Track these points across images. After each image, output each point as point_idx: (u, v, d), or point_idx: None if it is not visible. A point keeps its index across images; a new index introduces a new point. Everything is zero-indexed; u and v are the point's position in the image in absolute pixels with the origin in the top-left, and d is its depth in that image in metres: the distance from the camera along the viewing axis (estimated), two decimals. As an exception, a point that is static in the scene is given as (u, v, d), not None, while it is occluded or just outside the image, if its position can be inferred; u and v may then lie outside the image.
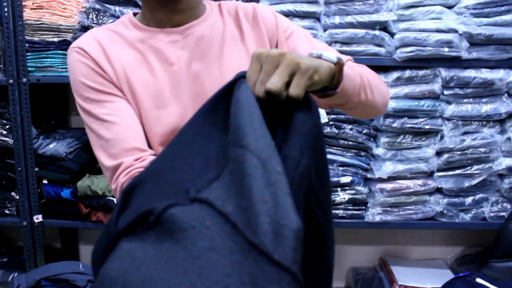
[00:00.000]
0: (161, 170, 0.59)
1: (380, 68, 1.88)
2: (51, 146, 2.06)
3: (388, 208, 1.96)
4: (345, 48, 1.84)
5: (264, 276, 0.45)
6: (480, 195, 1.96)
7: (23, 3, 1.93)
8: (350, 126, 1.92)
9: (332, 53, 0.73)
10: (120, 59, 0.94)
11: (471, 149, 1.90)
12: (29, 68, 1.99)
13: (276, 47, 1.01)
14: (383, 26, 1.84)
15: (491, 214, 1.97)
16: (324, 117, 1.87)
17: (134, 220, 0.52)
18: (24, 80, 1.99)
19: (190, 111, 0.94)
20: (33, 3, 1.94)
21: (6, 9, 1.93)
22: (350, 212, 1.97)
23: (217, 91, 0.64)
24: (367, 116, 1.02)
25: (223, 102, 0.62)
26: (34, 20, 1.94)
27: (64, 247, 2.48)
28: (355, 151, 1.95)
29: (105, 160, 0.91)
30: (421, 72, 1.85)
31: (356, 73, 0.88)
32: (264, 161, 0.51)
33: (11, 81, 1.99)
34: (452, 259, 2.35)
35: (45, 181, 2.08)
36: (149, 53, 0.96)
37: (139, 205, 0.54)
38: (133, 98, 0.94)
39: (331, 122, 1.91)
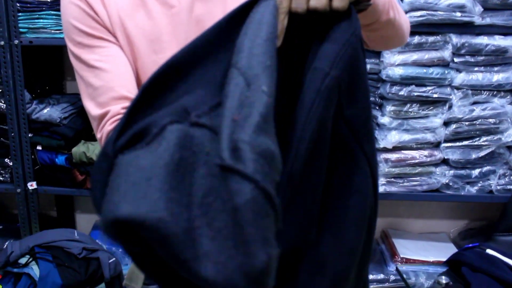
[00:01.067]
0: (163, 90, 0.54)
1: (388, 33, 1.80)
2: (45, 111, 1.99)
3: (392, 179, 1.90)
4: (352, 11, 1.75)
5: (228, 190, 0.42)
6: (488, 168, 1.91)
7: (14, -41, 1.84)
8: (355, 94, 1.85)
9: None
10: (115, 2, 0.88)
11: (480, 120, 1.84)
12: (21, 29, 1.91)
13: None
14: (393, -11, 1.76)
15: (498, 187, 1.92)
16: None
17: (135, 134, 0.48)
18: (16, 41, 1.91)
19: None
20: (24, -40, 1.85)
21: (-5, -34, 1.83)
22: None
23: (233, 8, 0.58)
24: (391, 42, 0.96)
25: (238, 21, 0.56)
26: (25, -22, 1.86)
27: (60, 215, 2.44)
28: (360, 120, 1.89)
29: (92, 109, 0.85)
30: (431, 38, 1.77)
31: None
32: (249, 79, 0.47)
33: (2, 42, 1.90)
34: (455, 233, 2.32)
35: (39, 147, 2.03)
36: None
37: (140, 121, 0.50)
38: (128, 44, 0.87)
39: (335, 90, 1.84)
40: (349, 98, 0.58)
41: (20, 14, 1.89)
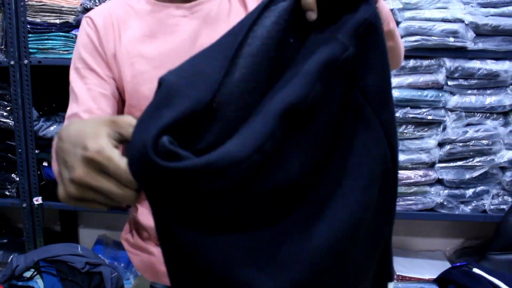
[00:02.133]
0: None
1: (384, 57, 1.87)
2: (52, 128, 2.06)
3: (388, 198, 1.95)
4: (349, 36, 1.82)
5: None
6: (481, 188, 1.96)
7: (25, -16, 1.92)
8: (352, 115, 1.91)
9: None
10: (128, 35, 0.97)
11: (473, 141, 1.89)
12: (30, 50, 1.98)
13: None
14: (388, 14, 1.82)
15: (492, 207, 1.96)
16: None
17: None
18: (26, 61, 1.98)
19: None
20: (35, -16, 1.93)
21: (8, -11, 1.92)
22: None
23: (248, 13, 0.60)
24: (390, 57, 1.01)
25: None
26: (36, 1, 1.93)
27: (63, 230, 2.49)
28: (357, 140, 1.95)
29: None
30: (426, 62, 1.84)
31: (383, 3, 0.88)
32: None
33: (12, 62, 1.98)
34: (451, 251, 2.35)
35: (45, 163, 2.09)
36: (155, 25, 0.97)
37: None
38: (132, 75, 0.96)
39: (333, 111, 1.90)
40: (365, 70, 0.60)
41: (30, 35, 1.97)
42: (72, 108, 0.96)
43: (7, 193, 2.17)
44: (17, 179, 2.13)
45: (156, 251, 1.03)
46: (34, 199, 2.10)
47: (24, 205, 2.11)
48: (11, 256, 2.19)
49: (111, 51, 0.97)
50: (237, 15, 0.98)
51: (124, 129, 0.52)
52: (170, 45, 0.96)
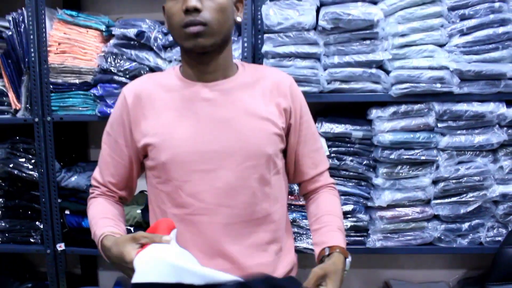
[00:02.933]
0: None
1: (378, 103, 2.01)
2: (73, 179, 2.22)
3: (388, 235, 2.06)
4: (344, 85, 1.97)
5: None
6: (476, 221, 2.05)
7: (48, 48, 2.12)
8: (350, 158, 2.04)
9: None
10: (153, 104, 1.20)
11: (465, 178, 2.00)
12: (53, 107, 2.16)
13: (290, 118, 1.27)
14: (379, 65, 1.97)
15: (487, 239, 2.06)
16: (326, 149, 2.00)
17: None
18: (49, 118, 2.16)
19: (205, 131, 1.19)
20: (57, 48, 2.12)
21: (33, 54, 2.11)
22: (352, 238, 2.08)
23: None
24: None
25: None
26: (58, 64, 2.12)
27: (84, 273, 2.63)
28: (356, 181, 2.07)
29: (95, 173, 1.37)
30: (416, 107, 1.97)
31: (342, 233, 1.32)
32: None
33: (36, 119, 2.16)
34: (454, 282, 2.43)
35: (67, 212, 2.24)
36: (181, 100, 1.19)
37: None
38: (158, 145, 1.20)
39: (332, 155, 2.04)
40: None
41: (52, 94, 2.15)
42: (97, 172, 1.37)
43: (32, 240, 2.31)
44: (41, 226, 2.28)
45: None
46: (58, 245, 2.25)
47: (48, 251, 2.25)
48: (36, 300, 2.32)
49: (137, 122, 1.20)
50: (261, 93, 1.23)
51: (140, 240, 1.02)
52: (191, 120, 1.18)
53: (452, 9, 1.91)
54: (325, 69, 1.99)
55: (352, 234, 2.08)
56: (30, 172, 2.24)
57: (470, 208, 2.03)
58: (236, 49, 2.01)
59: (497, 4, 1.89)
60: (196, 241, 1.19)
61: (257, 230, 1.24)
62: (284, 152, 1.32)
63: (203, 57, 1.18)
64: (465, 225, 2.05)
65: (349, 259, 1.22)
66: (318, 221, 1.32)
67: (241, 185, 1.19)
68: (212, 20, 1.12)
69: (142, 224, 2.13)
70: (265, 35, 1.96)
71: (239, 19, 1.22)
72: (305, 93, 1.96)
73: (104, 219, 1.25)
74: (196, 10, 1.10)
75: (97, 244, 1.18)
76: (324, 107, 2.24)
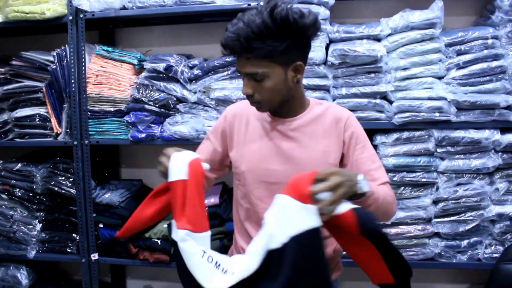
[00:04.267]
0: None
1: (382, 130, 2.21)
2: (107, 196, 2.46)
3: (392, 250, 2.23)
4: (351, 114, 2.17)
5: None
6: (475, 239, 2.21)
7: (87, 80, 2.38)
8: (357, 179, 2.23)
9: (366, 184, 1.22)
10: (243, 126, 1.52)
11: (464, 198, 2.16)
12: (90, 132, 2.42)
13: (343, 147, 1.47)
14: (383, 96, 2.17)
15: (485, 256, 2.21)
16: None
17: None
18: (86, 142, 2.41)
19: (274, 154, 1.46)
20: (94, 80, 2.38)
21: (73, 85, 2.37)
22: (359, 253, 2.27)
23: None
24: (381, 216, 1.40)
25: None
26: (95, 94, 2.38)
27: (113, 281, 2.86)
28: (363, 200, 2.26)
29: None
30: (417, 133, 2.15)
31: (376, 192, 1.28)
32: None
33: (75, 142, 2.41)
34: (459, 296, 2.57)
35: (101, 225, 2.48)
36: (262, 128, 1.48)
37: None
38: (238, 154, 1.53)
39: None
40: None
41: (90, 120, 2.41)
42: (198, 150, 1.60)
43: (69, 250, 2.56)
44: (77, 238, 2.53)
45: None
46: (92, 255, 2.48)
47: (83, 260, 2.50)
48: (72, 305, 2.56)
49: (231, 136, 1.53)
50: (323, 131, 1.46)
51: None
52: (267, 145, 1.47)
53: (449, 45, 2.11)
54: (333, 100, 2.19)
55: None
56: (69, 189, 2.48)
57: (468, 227, 2.19)
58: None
59: (490, 41, 2.07)
60: (257, 228, 1.46)
61: None
62: None
63: None
64: (464, 242, 2.21)
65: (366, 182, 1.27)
66: None
67: None
68: (263, 99, 1.37)
69: (168, 238, 2.35)
70: (280, 69, 2.18)
71: (298, 81, 1.39)
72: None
73: None
74: (250, 95, 1.36)
75: None
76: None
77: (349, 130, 1.47)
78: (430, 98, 2.10)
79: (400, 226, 2.23)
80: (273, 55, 1.28)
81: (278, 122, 1.47)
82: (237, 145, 1.52)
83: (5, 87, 2.50)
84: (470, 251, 2.23)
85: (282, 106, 1.41)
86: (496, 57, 2.07)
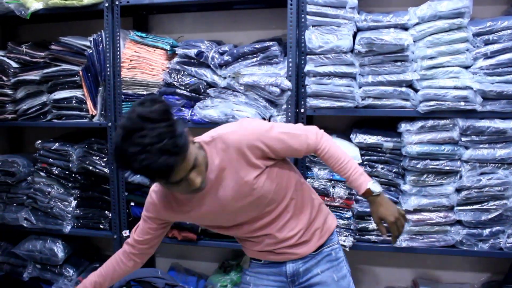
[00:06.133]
0: None
1: (407, 118, 2.24)
2: (138, 176, 2.56)
3: (414, 236, 2.28)
4: (377, 102, 2.21)
5: None
6: (497, 228, 2.22)
7: (121, 64, 2.48)
8: (381, 166, 2.28)
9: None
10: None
11: (487, 188, 2.18)
12: (123, 114, 2.52)
13: (261, 157, 1.48)
14: (409, 84, 2.20)
15: (507, 245, 2.22)
16: (358, 158, 2.24)
17: None
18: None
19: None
20: (128, 64, 2.48)
21: (108, 69, 2.48)
22: (381, 237, 2.32)
23: None
24: None
25: None
26: (129, 78, 2.48)
27: (143, 258, 2.98)
28: (386, 186, 2.30)
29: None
30: (442, 122, 2.18)
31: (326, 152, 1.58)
32: None
33: (109, 124, 2.53)
34: (479, 284, 2.59)
35: (132, 204, 2.60)
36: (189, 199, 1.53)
37: None
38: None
39: (365, 162, 2.29)
40: None
41: (123, 103, 2.51)
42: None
43: (101, 226, 2.70)
44: (110, 215, 2.66)
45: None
46: (123, 231, 2.61)
47: (115, 236, 2.63)
48: (104, 279, 2.69)
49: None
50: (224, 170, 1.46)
51: None
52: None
53: (477, 34, 2.11)
54: (360, 87, 2.24)
55: (380, 234, 2.31)
56: (102, 169, 2.60)
57: (491, 216, 2.21)
58: (282, 68, 2.30)
59: (519, 31, 2.08)
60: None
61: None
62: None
63: None
64: (486, 231, 2.23)
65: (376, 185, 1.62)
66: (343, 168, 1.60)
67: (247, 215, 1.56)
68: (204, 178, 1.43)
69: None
70: (308, 56, 2.24)
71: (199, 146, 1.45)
72: (342, 108, 2.23)
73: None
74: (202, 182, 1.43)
75: None
76: (358, 120, 2.49)
77: (241, 149, 1.44)
78: (456, 87, 2.12)
79: (422, 213, 2.26)
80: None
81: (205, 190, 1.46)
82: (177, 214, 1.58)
83: (45, 71, 2.63)
84: (492, 240, 2.25)
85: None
86: (525, 47, 2.07)
